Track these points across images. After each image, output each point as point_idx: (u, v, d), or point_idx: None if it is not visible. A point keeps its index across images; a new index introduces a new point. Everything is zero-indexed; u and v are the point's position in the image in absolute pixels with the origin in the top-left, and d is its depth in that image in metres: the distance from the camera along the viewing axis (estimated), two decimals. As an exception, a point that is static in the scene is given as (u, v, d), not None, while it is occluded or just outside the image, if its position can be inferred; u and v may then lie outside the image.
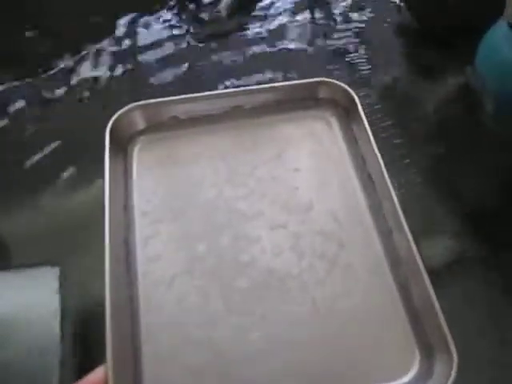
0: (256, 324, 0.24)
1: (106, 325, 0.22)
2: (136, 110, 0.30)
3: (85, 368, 0.22)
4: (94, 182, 0.35)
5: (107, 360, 0.21)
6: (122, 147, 0.30)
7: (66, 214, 0.34)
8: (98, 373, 0.21)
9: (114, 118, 0.29)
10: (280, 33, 0.44)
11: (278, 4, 0.46)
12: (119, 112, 0.29)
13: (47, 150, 0.37)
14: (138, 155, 0.30)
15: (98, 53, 0.44)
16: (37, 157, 0.37)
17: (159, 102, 0.30)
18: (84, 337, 0.28)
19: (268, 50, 0.43)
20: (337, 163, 0.30)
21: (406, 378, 0.23)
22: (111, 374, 0.21)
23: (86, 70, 0.42)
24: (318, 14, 0.45)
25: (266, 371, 0.23)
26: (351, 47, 0.42)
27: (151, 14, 0.47)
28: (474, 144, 0.35)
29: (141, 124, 0.31)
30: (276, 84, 0.31)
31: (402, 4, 0.44)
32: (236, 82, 0.40)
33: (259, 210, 0.28)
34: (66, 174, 0.36)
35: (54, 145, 0.37)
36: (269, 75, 0.41)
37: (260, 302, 0.25)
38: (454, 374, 0.21)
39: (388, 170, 0.27)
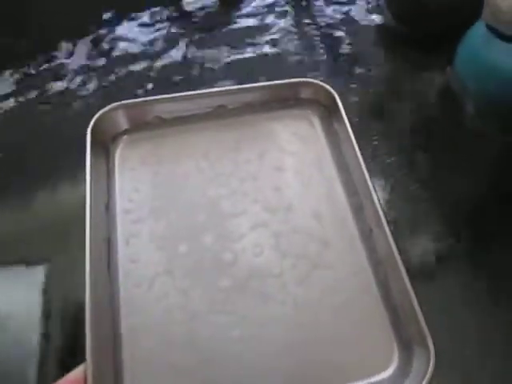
0: (237, 323, 0.24)
1: (85, 324, 0.22)
2: (118, 110, 0.30)
3: (69, 367, 0.22)
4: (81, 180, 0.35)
5: (87, 359, 0.21)
6: (104, 147, 0.30)
7: (52, 213, 0.34)
8: (77, 372, 0.21)
9: (95, 118, 0.29)
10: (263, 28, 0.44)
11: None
12: (101, 111, 0.29)
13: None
14: (121, 155, 0.30)
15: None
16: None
17: (142, 102, 0.30)
18: (69, 335, 0.28)
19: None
20: (319, 163, 0.30)
21: (386, 374, 0.23)
22: (90, 373, 0.21)
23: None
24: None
25: (247, 370, 0.23)
26: (333, 47, 0.42)
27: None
28: (454, 144, 0.36)
29: (123, 123, 0.30)
30: (259, 84, 0.32)
31: (383, 6, 0.44)
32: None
33: (241, 210, 0.28)
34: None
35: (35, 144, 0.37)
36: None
37: (242, 301, 0.25)
38: (431, 370, 0.21)
39: (369, 170, 0.27)
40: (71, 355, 0.27)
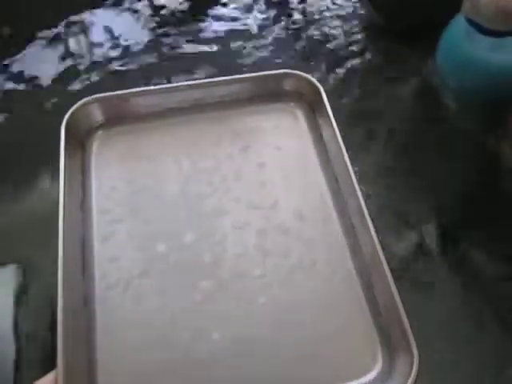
0: (218, 325, 0.24)
1: (57, 328, 0.21)
2: (94, 104, 0.29)
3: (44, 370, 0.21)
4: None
5: (58, 365, 0.20)
6: (79, 143, 0.29)
7: (27, 212, 0.33)
8: (48, 378, 0.20)
9: (69, 112, 0.28)
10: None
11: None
12: (75, 106, 0.28)
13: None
14: (97, 151, 0.29)
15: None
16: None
17: (118, 95, 0.29)
18: (45, 337, 0.27)
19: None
20: (302, 158, 0.29)
21: (370, 376, 0.22)
22: (61, 379, 0.20)
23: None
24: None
25: (227, 372, 0.22)
26: (315, 41, 0.42)
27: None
28: (435, 139, 0.35)
29: (99, 118, 0.29)
30: (240, 76, 0.30)
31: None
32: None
33: (223, 208, 0.27)
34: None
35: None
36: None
37: (222, 302, 0.24)
38: (414, 375, 0.21)
39: (353, 165, 0.26)
40: (47, 358, 0.27)
